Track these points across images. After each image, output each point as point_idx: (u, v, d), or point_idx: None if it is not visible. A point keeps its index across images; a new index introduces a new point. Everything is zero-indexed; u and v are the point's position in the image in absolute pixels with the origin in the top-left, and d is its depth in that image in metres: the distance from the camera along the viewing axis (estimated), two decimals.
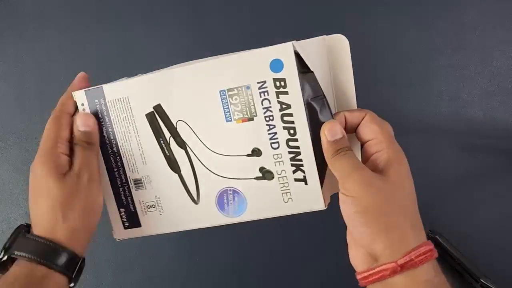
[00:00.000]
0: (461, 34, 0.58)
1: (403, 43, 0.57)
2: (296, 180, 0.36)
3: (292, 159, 0.35)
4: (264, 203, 0.37)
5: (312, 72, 0.35)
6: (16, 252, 0.33)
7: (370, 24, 0.57)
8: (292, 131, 0.35)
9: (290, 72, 0.35)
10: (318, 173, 0.35)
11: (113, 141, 0.38)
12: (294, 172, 0.36)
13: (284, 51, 0.36)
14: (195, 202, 0.38)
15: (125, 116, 0.38)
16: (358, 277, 0.32)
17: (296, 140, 0.35)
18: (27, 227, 0.35)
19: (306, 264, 0.56)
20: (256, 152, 0.36)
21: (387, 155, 0.33)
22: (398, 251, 0.30)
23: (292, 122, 0.35)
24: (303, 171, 0.35)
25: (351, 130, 0.36)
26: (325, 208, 0.37)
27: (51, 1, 0.56)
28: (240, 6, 0.57)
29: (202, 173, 0.37)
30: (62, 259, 0.33)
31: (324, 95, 0.35)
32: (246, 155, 0.36)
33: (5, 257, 0.33)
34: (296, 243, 0.57)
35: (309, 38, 0.57)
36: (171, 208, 0.39)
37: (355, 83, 0.57)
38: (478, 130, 0.57)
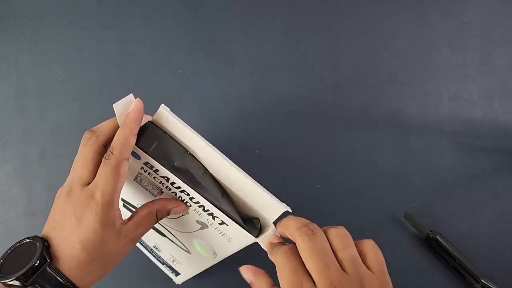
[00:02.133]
0: (461, 34, 0.58)
1: (403, 43, 0.57)
2: (220, 224, 0.39)
3: (204, 210, 0.38)
4: (219, 245, 0.42)
5: (166, 134, 0.37)
6: (40, 283, 0.32)
7: (370, 24, 0.58)
8: (186, 193, 0.38)
9: (144, 155, 0.36)
10: (227, 215, 0.37)
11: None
12: (213, 218, 0.39)
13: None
14: (189, 252, 0.45)
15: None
16: None
17: (193, 198, 0.38)
18: (47, 248, 0.34)
19: None
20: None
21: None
22: None
23: (179, 187, 0.38)
24: (218, 217, 0.38)
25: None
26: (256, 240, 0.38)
27: (51, 1, 0.56)
28: (240, 6, 0.57)
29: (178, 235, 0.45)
30: None
31: (186, 149, 0.37)
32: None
33: (28, 283, 0.32)
34: None
35: (308, 38, 0.58)
36: (182, 259, 0.47)
37: (355, 83, 0.57)
38: (478, 130, 0.57)
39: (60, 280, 0.33)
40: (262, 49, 0.56)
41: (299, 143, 0.55)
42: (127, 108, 0.38)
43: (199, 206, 0.39)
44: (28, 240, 0.34)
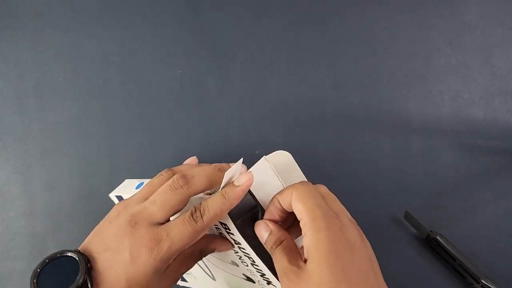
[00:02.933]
0: (461, 34, 0.58)
1: (403, 43, 0.57)
2: (267, 283, 0.39)
3: (261, 276, 0.38)
4: None
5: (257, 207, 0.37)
6: None
7: (370, 24, 0.57)
8: (250, 258, 0.37)
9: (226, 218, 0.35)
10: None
11: None
12: (268, 284, 0.39)
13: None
14: (213, 279, 0.47)
15: None
16: None
17: (255, 263, 0.37)
18: (89, 270, 0.32)
19: None
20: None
21: (307, 243, 0.30)
22: None
23: (247, 253, 0.37)
24: (274, 285, 0.38)
25: (290, 209, 0.34)
26: None
27: (51, 0, 0.56)
28: (240, 6, 0.57)
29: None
30: None
31: (258, 205, 0.36)
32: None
33: None
34: None
35: (308, 38, 0.58)
36: (199, 277, 0.49)
37: (355, 83, 0.57)
38: (478, 130, 0.57)
39: None
40: (262, 49, 0.56)
41: (299, 143, 0.55)
42: (234, 173, 0.35)
43: (259, 271, 0.38)
44: (70, 254, 0.33)
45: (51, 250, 0.46)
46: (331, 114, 0.56)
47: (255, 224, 0.35)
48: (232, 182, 0.34)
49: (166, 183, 0.35)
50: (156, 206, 0.34)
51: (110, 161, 0.56)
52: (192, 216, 0.33)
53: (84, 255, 0.33)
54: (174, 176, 0.35)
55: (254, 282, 0.41)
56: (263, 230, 0.34)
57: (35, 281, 0.31)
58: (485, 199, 0.57)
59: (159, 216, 0.34)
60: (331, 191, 0.37)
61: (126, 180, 0.50)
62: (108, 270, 0.32)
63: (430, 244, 0.55)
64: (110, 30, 0.56)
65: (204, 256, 0.38)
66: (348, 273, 0.28)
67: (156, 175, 0.38)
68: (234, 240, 0.37)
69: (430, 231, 0.55)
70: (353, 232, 0.31)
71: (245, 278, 0.42)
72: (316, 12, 0.57)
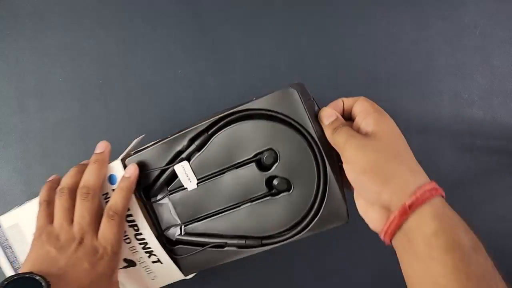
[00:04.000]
0: (461, 34, 0.58)
1: (403, 43, 0.57)
2: (153, 262, 0.45)
3: (143, 248, 0.45)
4: (138, 283, 0.47)
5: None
6: None
7: (370, 24, 0.57)
8: (136, 227, 0.44)
9: None
10: (167, 253, 0.45)
11: (14, 263, 0.46)
12: (149, 257, 0.45)
13: (115, 167, 0.45)
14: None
15: (20, 238, 0.46)
16: (381, 236, 0.35)
17: (140, 233, 0.45)
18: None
19: None
20: None
21: (373, 119, 0.37)
22: (404, 194, 0.33)
23: (133, 221, 0.44)
24: (155, 255, 0.45)
25: (348, 114, 0.41)
26: (186, 277, 0.47)
27: (51, 0, 0.56)
28: (240, 6, 0.57)
29: None
30: None
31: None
32: None
33: None
34: None
35: (308, 39, 0.57)
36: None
37: (355, 83, 0.57)
38: (478, 130, 0.57)
39: None
40: (262, 49, 0.56)
41: None
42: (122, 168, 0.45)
43: (141, 243, 0.45)
44: (28, 276, 0.36)
45: None
46: None
47: (321, 109, 0.41)
48: (123, 175, 0.44)
49: (77, 197, 0.42)
50: (86, 219, 0.41)
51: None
52: (111, 217, 0.41)
53: (44, 278, 0.36)
54: (78, 190, 0.42)
55: (135, 265, 0.46)
56: (331, 114, 0.40)
57: None
58: (484, 199, 0.57)
59: (94, 226, 0.41)
60: None
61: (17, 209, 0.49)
62: (71, 284, 0.38)
63: None
64: (110, 30, 0.56)
65: None
66: (404, 149, 0.37)
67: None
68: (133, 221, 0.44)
69: None
70: None
71: (126, 265, 0.46)
72: (316, 13, 0.57)
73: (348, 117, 0.41)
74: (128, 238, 0.45)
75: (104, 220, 0.42)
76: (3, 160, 0.56)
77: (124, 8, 0.57)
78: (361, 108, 0.39)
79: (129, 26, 0.57)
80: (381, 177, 0.34)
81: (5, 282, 0.36)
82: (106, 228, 0.41)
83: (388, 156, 0.35)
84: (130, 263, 0.46)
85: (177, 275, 0.46)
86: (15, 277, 0.36)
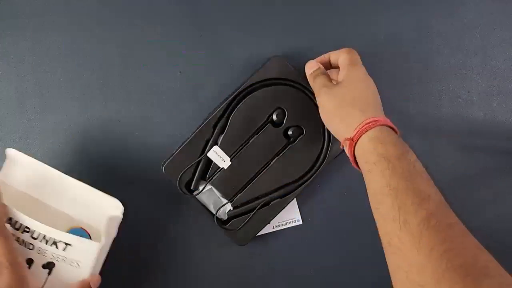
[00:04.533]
0: (461, 34, 0.58)
1: (403, 43, 0.57)
2: (64, 249, 0.44)
3: (46, 242, 0.44)
4: (73, 280, 0.45)
5: None
6: None
7: (370, 24, 0.58)
8: (26, 229, 0.44)
9: None
10: (224, 231, 0.53)
11: None
12: (57, 247, 0.44)
13: None
14: None
15: None
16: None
17: (34, 231, 0.44)
18: None
19: None
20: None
21: (346, 69, 0.46)
22: (352, 129, 0.42)
23: (20, 224, 0.44)
24: (60, 240, 0.44)
25: (335, 63, 0.49)
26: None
27: (51, 1, 0.56)
28: (240, 6, 0.57)
29: None
30: None
31: None
32: None
33: None
34: None
35: (308, 39, 0.57)
36: None
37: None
38: (478, 131, 0.57)
39: None
40: (262, 49, 0.57)
41: None
42: None
43: (41, 240, 0.44)
44: None
45: None
46: None
47: (308, 62, 0.50)
48: None
49: None
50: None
51: (110, 161, 0.56)
52: None
53: None
54: None
55: (54, 265, 0.45)
56: (313, 65, 0.49)
57: None
58: (484, 199, 0.57)
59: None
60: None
61: None
62: None
63: None
64: (111, 31, 0.56)
65: None
66: (362, 93, 0.45)
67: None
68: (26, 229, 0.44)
69: None
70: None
71: (48, 271, 0.45)
72: (316, 13, 0.57)
73: (335, 67, 0.50)
74: (27, 243, 0.44)
75: None
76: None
77: (124, 8, 0.57)
78: (341, 60, 0.47)
79: (129, 26, 0.57)
80: (337, 117, 0.44)
81: None
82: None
83: (346, 100, 0.44)
84: (49, 265, 0.45)
85: (93, 247, 0.45)
86: None
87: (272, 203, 0.53)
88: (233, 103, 0.53)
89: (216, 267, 0.56)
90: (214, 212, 0.53)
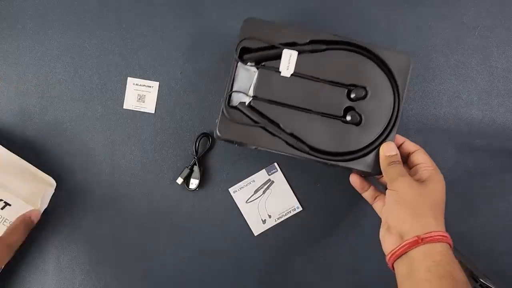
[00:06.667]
0: (460, 34, 0.58)
1: (403, 43, 0.57)
2: (1, 208, 0.51)
3: None
4: None
5: None
6: None
7: (370, 24, 0.58)
8: None
9: None
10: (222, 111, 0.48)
11: None
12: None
13: None
14: None
15: None
16: (388, 257, 0.44)
17: None
18: None
19: None
20: None
21: (431, 173, 0.46)
22: (420, 231, 0.41)
23: None
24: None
25: (403, 154, 0.49)
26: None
27: (51, 1, 0.56)
28: (240, 6, 0.57)
29: None
30: None
31: None
32: None
33: None
34: None
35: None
36: None
37: None
38: (477, 130, 0.57)
39: None
40: None
41: None
42: None
43: None
44: None
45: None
46: None
47: (386, 142, 0.48)
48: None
49: None
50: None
51: (111, 161, 0.56)
52: None
53: None
54: None
55: None
56: (393, 149, 0.47)
57: None
58: (483, 199, 0.57)
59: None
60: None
61: None
62: None
63: None
64: (111, 31, 0.57)
65: (32, 225, 0.52)
66: (440, 203, 0.46)
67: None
68: None
69: None
70: None
71: None
72: (315, 13, 0.57)
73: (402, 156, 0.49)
74: None
75: None
76: None
77: (124, 8, 0.57)
78: (423, 160, 0.47)
79: (129, 27, 0.57)
80: (411, 211, 0.43)
81: None
82: None
83: (426, 202, 0.44)
84: None
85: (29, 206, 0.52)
86: None
87: (276, 137, 0.48)
88: (340, 45, 0.49)
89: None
90: (232, 89, 0.48)
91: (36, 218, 0.52)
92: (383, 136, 0.49)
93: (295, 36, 0.48)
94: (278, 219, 0.56)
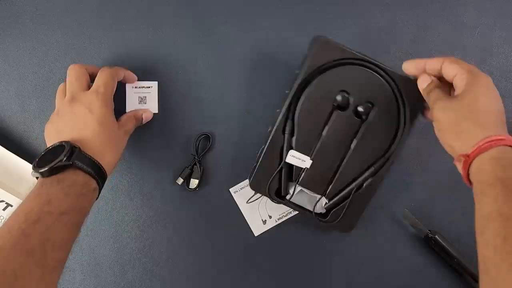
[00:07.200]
0: (460, 34, 0.58)
1: (402, 43, 0.57)
2: (3, 209, 0.53)
3: None
4: None
5: None
6: (77, 162, 0.42)
7: (369, 24, 0.58)
8: None
9: None
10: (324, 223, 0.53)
11: None
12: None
13: None
14: None
15: None
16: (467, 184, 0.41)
17: None
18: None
19: None
20: None
21: (466, 81, 0.41)
22: (468, 146, 0.39)
23: None
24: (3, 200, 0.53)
25: (434, 73, 0.46)
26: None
27: (52, 1, 0.56)
28: (241, 6, 0.57)
29: None
30: (104, 180, 0.46)
31: None
32: None
33: (68, 163, 0.41)
34: None
35: (308, 39, 0.58)
36: None
37: None
38: None
39: (96, 162, 0.44)
40: (262, 49, 0.57)
41: None
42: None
43: None
44: (57, 144, 0.44)
45: None
46: None
47: (421, 76, 0.46)
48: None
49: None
50: (75, 81, 0.48)
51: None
52: (101, 70, 0.50)
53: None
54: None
55: None
56: (426, 79, 0.46)
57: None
58: None
59: (84, 85, 0.49)
60: None
61: None
62: (82, 133, 0.45)
63: (429, 244, 0.55)
64: (111, 31, 0.57)
65: (141, 121, 0.54)
66: (481, 106, 0.41)
67: None
68: None
69: (429, 231, 0.55)
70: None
71: None
72: (315, 13, 0.57)
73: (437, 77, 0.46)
74: None
75: (98, 73, 0.50)
76: None
77: (125, 9, 0.57)
78: (453, 70, 0.43)
79: (130, 27, 0.57)
80: (453, 134, 0.42)
81: (42, 152, 0.43)
82: (99, 77, 0.49)
83: (464, 114, 0.41)
84: None
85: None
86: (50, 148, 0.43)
87: (365, 184, 0.51)
88: (293, 104, 0.50)
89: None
90: (312, 210, 0.52)
91: (146, 119, 0.54)
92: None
93: (273, 147, 0.51)
94: (278, 219, 0.57)
